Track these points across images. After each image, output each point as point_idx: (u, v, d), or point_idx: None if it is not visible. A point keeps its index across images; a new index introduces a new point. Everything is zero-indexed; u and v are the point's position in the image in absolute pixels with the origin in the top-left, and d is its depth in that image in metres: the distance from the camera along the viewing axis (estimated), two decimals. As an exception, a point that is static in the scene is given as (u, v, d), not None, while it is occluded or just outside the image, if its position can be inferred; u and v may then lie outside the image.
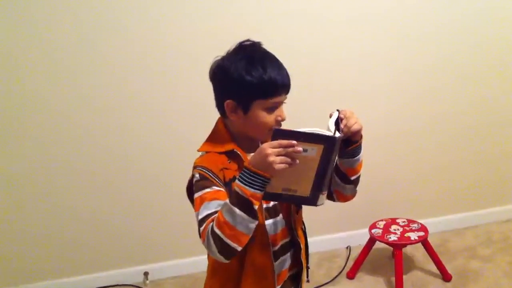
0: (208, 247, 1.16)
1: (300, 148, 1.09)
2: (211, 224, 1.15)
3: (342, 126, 1.20)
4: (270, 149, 1.08)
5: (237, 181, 1.12)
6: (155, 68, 2.56)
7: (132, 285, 2.75)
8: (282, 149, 1.08)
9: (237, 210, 1.10)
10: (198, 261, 2.72)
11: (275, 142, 1.09)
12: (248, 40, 1.30)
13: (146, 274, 2.77)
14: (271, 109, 1.25)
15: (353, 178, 1.34)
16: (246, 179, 1.10)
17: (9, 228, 2.58)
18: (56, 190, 2.59)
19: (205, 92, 2.50)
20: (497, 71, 3.07)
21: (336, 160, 1.32)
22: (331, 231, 3.03)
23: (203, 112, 2.56)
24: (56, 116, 2.51)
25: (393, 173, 3.01)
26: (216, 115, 1.36)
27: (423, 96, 2.97)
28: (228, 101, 1.26)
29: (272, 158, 1.07)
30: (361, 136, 1.29)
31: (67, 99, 2.50)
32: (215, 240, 1.13)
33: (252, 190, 1.10)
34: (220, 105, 1.30)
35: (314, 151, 1.12)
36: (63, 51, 2.44)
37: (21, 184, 2.55)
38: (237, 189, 1.11)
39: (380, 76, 2.88)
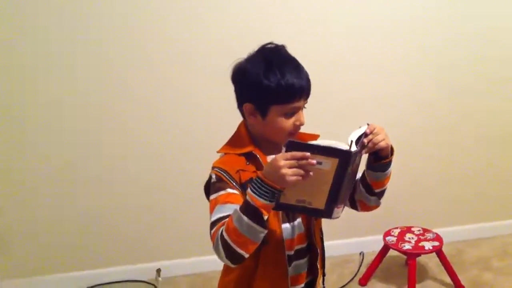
0: (216, 251, 1.17)
1: (313, 161, 1.07)
2: (221, 228, 1.15)
3: (365, 141, 1.19)
4: (283, 161, 1.07)
5: (249, 189, 1.12)
6: (159, 70, 2.58)
7: (144, 281, 2.77)
8: (295, 161, 1.07)
9: (245, 219, 1.10)
10: (211, 260, 2.69)
11: (288, 154, 1.07)
12: (271, 43, 1.30)
13: (158, 271, 2.78)
14: (289, 114, 1.25)
15: (377, 190, 1.34)
16: (258, 189, 1.10)
17: (30, 219, 2.62)
18: (76, 188, 2.63)
19: (211, 95, 2.56)
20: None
21: (364, 171, 1.32)
22: (344, 236, 3.01)
23: (213, 113, 2.62)
24: (57, 119, 2.53)
25: (410, 181, 2.99)
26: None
27: (441, 104, 2.95)
28: (246, 104, 1.27)
29: (284, 171, 1.06)
30: (392, 153, 1.28)
31: (70, 98, 2.52)
32: (223, 245, 1.14)
33: (263, 201, 1.09)
34: (240, 107, 1.31)
35: (329, 164, 1.10)
36: (65, 52, 2.46)
37: (42, 180, 2.58)
38: (248, 198, 1.11)
39: (397, 83, 2.86)
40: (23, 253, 2.65)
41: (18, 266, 2.65)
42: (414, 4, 2.78)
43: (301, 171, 1.08)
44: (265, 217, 1.11)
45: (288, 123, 1.25)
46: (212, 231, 1.19)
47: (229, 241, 1.12)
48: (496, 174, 3.15)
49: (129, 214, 2.72)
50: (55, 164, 2.57)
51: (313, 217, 1.34)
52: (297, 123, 1.26)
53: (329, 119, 2.72)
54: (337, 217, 1.20)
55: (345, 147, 1.11)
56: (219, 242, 1.15)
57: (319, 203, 1.16)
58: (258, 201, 1.09)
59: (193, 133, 2.68)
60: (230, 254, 1.14)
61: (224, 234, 1.13)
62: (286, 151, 1.09)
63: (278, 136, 1.28)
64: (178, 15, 2.52)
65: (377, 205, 1.38)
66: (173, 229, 2.80)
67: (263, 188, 1.09)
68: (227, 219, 1.15)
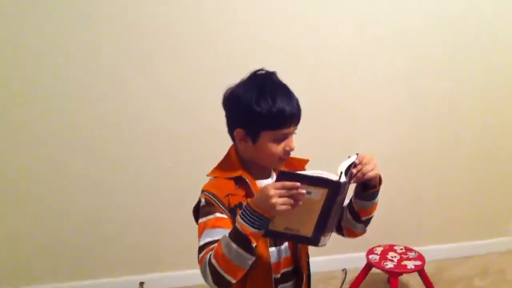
0: (204, 275, 1.18)
1: (303, 191, 1.10)
2: (210, 253, 1.17)
3: (354, 171, 1.21)
4: (273, 190, 1.09)
5: (238, 217, 1.14)
6: (163, 76, 2.59)
7: (127, 295, 2.76)
8: (286, 191, 1.09)
9: (234, 246, 1.11)
10: (195, 274, 2.70)
11: (279, 184, 1.10)
12: (262, 69, 1.32)
13: (141, 284, 2.77)
14: (279, 140, 1.27)
15: (364, 218, 1.36)
16: (247, 217, 1.12)
17: (4, 230, 2.59)
18: (54, 195, 2.60)
19: (209, 105, 2.55)
20: (504, 101, 3.08)
21: (352, 199, 1.34)
22: (327, 253, 3.01)
23: (206, 124, 2.61)
24: (57, 119, 2.52)
25: (393, 199, 3.02)
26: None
27: (424, 126, 2.99)
28: (237, 129, 1.28)
29: (274, 200, 1.08)
30: (380, 183, 1.30)
31: (69, 101, 2.51)
32: (211, 270, 1.15)
33: (252, 229, 1.11)
34: (230, 132, 1.33)
35: (319, 194, 1.12)
36: (66, 55, 2.46)
37: (17, 186, 2.56)
38: (237, 225, 1.13)
39: (383, 104, 2.90)
40: (4, 263, 2.62)
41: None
42: (417, 14, 2.81)
43: (291, 201, 1.10)
44: (254, 245, 1.12)
45: (278, 148, 1.27)
46: (200, 256, 1.20)
47: (217, 266, 1.14)
48: (478, 194, 3.20)
49: (112, 226, 2.70)
50: (36, 171, 2.55)
51: (300, 244, 1.35)
52: (287, 148, 1.28)
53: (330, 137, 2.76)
54: (324, 245, 1.23)
55: (334, 177, 1.13)
56: (207, 267, 1.16)
57: (307, 231, 1.18)
58: (248, 229, 1.11)
59: (186, 143, 2.68)
60: (217, 279, 1.15)
61: (213, 259, 1.14)
62: (277, 180, 1.11)
63: (268, 161, 1.30)
64: (181, 19, 2.54)
65: (363, 232, 1.40)
66: (156, 242, 2.78)
67: (253, 216, 1.11)
68: (215, 244, 1.17)
